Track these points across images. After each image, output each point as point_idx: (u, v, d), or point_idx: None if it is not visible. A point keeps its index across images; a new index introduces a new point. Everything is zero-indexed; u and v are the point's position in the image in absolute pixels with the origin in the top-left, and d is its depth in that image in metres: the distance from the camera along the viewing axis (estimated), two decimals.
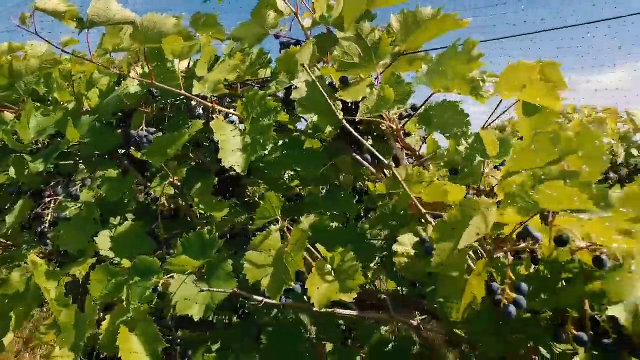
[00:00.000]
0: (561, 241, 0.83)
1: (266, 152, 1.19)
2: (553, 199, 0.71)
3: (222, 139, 1.19)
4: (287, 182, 1.48)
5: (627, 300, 0.64)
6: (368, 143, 1.37)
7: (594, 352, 0.81)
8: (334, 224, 1.36)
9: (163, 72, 1.45)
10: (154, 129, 1.49)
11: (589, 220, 0.79)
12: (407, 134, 1.30)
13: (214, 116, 1.22)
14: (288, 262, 0.90)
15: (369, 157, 1.29)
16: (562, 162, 0.84)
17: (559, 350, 0.92)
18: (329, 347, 1.35)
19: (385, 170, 1.20)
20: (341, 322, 1.40)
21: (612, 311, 0.64)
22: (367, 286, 1.43)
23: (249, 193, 1.59)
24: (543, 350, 0.95)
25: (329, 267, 0.95)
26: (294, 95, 1.23)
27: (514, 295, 0.77)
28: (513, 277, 0.77)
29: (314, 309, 0.92)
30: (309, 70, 1.25)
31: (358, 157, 1.28)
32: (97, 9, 1.21)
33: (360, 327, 1.28)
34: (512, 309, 0.75)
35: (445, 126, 1.15)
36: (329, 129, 1.25)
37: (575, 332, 0.79)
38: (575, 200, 0.69)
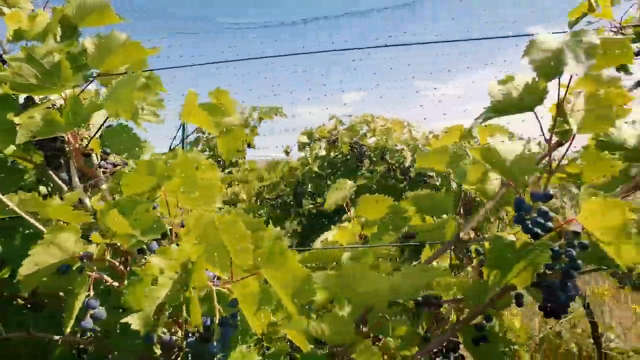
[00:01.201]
0: None
1: None
2: (115, 225, 0.82)
3: None
4: None
5: (143, 310, 0.75)
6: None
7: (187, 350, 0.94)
8: None
9: None
10: None
11: None
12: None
13: None
14: None
15: (65, 176, 1.31)
16: (162, 187, 0.96)
17: None
18: None
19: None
20: None
21: (127, 319, 0.75)
22: None
23: None
24: None
25: None
26: None
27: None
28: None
29: None
30: None
31: (54, 176, 1.30)
32: None
33: None
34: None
35: (121, 149, 1.23)
36: (11, 148, 1.24)
37: (162, 336, 0.91)
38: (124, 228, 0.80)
